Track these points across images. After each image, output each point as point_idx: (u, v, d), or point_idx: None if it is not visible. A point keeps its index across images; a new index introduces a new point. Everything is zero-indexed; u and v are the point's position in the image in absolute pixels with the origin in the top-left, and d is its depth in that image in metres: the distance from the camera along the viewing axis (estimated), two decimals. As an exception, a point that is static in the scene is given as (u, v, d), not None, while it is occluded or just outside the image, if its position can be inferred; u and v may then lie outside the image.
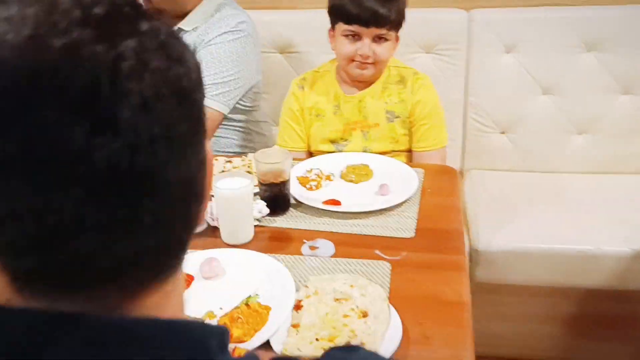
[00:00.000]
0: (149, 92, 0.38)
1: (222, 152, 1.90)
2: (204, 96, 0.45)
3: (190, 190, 0.43)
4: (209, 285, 1.13)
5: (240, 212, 1.25)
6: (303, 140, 1.80)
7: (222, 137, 1.92)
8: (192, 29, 1.81)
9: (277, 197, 1.36)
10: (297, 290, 1.08)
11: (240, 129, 1.95)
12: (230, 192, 1.21)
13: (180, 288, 0.47)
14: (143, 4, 0.44)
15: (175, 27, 1.81)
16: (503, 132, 2.23)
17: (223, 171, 1.53)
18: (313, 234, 1.30)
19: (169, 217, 0.41)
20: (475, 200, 2.05)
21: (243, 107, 1.91)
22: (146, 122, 0.37)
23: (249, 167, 1.54)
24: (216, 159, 1.60)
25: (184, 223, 0.44)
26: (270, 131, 2.07)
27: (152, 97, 0.38)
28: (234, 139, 1.94)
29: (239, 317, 1.00)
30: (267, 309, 1.03)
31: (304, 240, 1.27)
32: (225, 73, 1.78)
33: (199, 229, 1.30)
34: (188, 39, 1.83)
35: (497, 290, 1.89)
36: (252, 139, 1.99)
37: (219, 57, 1.78)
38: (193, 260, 1.17)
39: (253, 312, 1.01)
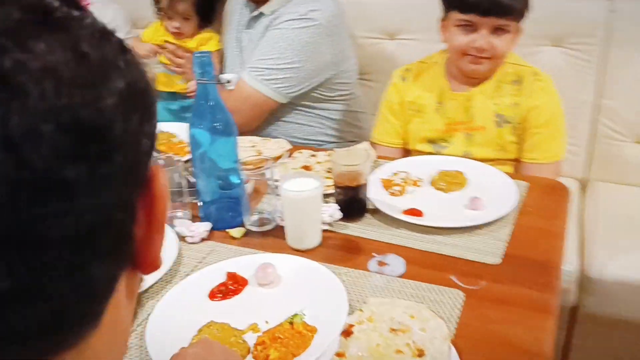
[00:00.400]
0: (19, 128, 0.29)
1: (306, 140, 1.83)
2: (135, 123, 0.36)
3: (88, 250, 0.34)
4: (261, 293, 1.06)
5: (306, 217, 1.16)
6: (399, 136, 1.67)
7: (305, 124, 1.84)
8: (270, 12, 1.75)
9: (352, 202, 1.25)
10: (351, 313, 0.98)
11: (327, 118, 1.86)
12: (296, 194, 1.12)
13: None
14: None
15: (257, 12, 1.76)
16: (639, 142, 1.94)
17: (306, 166, 1.45)
18: (385, 247, 1.18)
19: (48, 288, 0.32)
20: (595, 218, 1.80)
21: (323, 97, 1.82)
22: (9, 167, 0.29)
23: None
24: (300, 152, 1.52)
25: (81, 292, 0.35)
26: (368, 123, 1.95)
27: (22, 134, 0.29)
28: (318, 127, 1.86)
29: (279, 337, 0.91)
30: (313, 331, 0.93)
31: (374, 254, 1.15)
32: (283, 60, 1.70)
33: (266, 228, 1.26)
34: (263, 22, 1.77)
35: (609, 324, 1.65)
36: (343, 129, 1.89)
37: (280, 42, 1.70)
38: (250, 263, 1.10)
39: (296, 333, 0.92)
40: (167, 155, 1.33)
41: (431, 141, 1.61)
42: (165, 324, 0.98)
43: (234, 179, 1.26)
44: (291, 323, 0.94)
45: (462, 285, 1.06)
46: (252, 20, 1.82)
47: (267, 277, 1.07)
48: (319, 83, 1.77)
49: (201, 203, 1.28)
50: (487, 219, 1.22)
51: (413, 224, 1.22)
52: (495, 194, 1.30)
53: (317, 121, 1.84)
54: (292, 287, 1.06)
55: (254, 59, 1.74)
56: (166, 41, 2.02)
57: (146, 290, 1.08)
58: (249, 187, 1.28)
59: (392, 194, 1.34)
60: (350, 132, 1.90)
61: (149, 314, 1.01)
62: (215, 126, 1.21)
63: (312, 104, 1.81)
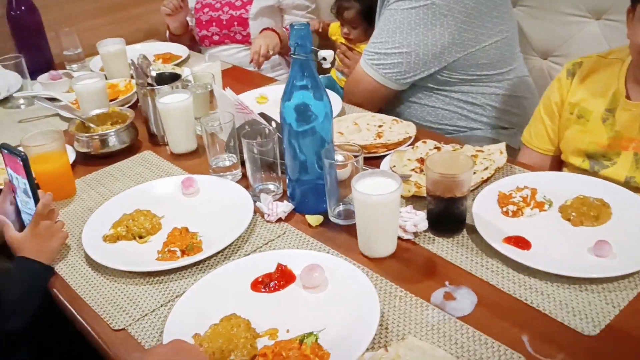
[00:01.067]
0: None
1: (441, 125, 1.65)
2: None
3: None
4: (301, 296, 0.97)
5: (377, 223, 1.02)
6: (552, 142, 1.39)
7: (440, 108, 1.65)
8: None
9: (443, 215, 1.08)
10: (376, 348, 0.85)
11: (467, 102, 1.63)
12: (366, 197, 0.99)
13: None
14: None
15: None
16: None
17: (422, 159, 1.29)
18: (464, 277, 0.99)
19: None
20: None
21: (454, 80, 1.59)
22: None
23: (488, 159, 1.26)
24: (425, 141, 1.35)
25: None
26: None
27: None
28: (457, 111, 1.64)
29: (282, 355, 0.83)
30: (323, 357, 0.83)
31: (446, 283, 0.98)
32: (391, 44, 1.53)
33: (348, 222, 1.15)
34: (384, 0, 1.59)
35: None
36: (494, 114, 1.64)
37: (389, 25, 1.53)
38: (306, 259, 1.02)
39: (301, 355, 0.83)
40: (274, 124, 1.28)
41: (590, 156, 1.31)
42: (195, 304, 0.96)
43: (326, 162, 1.17)
44: (301, 342, 0.85)
45: (531, 351, 0.85)
46: (380, 2, 1.68)
47: (311, 280, 0.98)
48: (441, 66, 1.56)
49: (288, 181, 1.22)
50: (609, 272, 0.96)
51: (509, 257, 1.01)
52: (636, 241, 1.02)
53: (455, 104, 1.63)
54: (332, 299, 0.95)
55: (369, 42, 1.61)
56: (341, 42, 2.10)
57: (202, 262, 1.07)
58: (343, 174, 1.17)
59: (505, 213, 1.13)
60: (502, 118, 1.65)
61: (187, 289, 1.00)
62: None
63: (443, 86, 1.61)
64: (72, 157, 1.47)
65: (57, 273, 1.09)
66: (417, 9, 1.49)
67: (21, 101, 1.85)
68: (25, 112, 1.82)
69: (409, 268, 1.03)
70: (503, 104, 1.65)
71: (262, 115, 1.35)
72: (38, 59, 2.04)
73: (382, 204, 1.00)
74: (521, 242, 1.04)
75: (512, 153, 1.52)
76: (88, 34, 2.19)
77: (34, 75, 1.94)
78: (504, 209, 1.13)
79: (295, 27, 1.06)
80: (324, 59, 1.08)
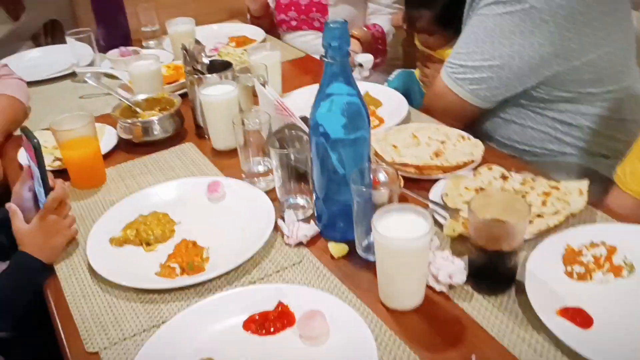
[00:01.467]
0: None
1: (528, 147, 1.42)
2: None
3: None
4: (294, 346, 0.82)
5: (400, 270, 0.85)
6: (653, 186, 1.13)
7: (530, 127, 1.40)
8: None
9: (485, 269, 0.88)
10: None
11: (564, 123, 1.38)
12: (386, 240, 0.82)
13: None
14: None
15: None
16: None
17: (480, 189, 1.09)
18: (497, 353, 0.80)
19: None
20: None
21: (551, 98, 1.34)
22: None
23: (562, 199, 1.03)
24: (490, 168, 1.14)
25: None
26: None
27: None
28: (549, 132, 1.39)
29: None
30: None
31: (472, 357, 0.79)
32: (480, 56, 1.29)
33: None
34: (471, 5, 1.36)
35: None
36: (592, 139, 1.38)
37: (477, 33, 1.30)
38: (312, 300, 0.87)
39: None
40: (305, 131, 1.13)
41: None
42: (176, 337, 0.84)
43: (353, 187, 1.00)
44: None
45: None
46: (469, 4, 1.43)
47: (308, 330, 0.83)
48: (538, 82, 1.31)
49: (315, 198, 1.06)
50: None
51: (559, 336, 0.80)
52: None
53: (547, 124, 1.38)
54: (328, 357, 0.80)
55: (453, 51, 1.38)
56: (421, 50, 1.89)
57: (201, 284, 0.95)
58: (379, 198, 0.99)
59: (568, 274, 0.91)
60: (602, 144, 1.37)
61: (176, 314, 0.88)
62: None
63: (536, 103, 1.36)
64: (113, 142, 1.40)
65: (56, 274, 1.02)
66: (512, 14, 1.25)
67: (88, 76, 1.82)
68: (90, 87, 1.79)
69: (433, 329, 0.85)
70: (606, 127, 1.38)
71: (303, 119, 1.20)
72: (115, 34, 2.01)
73: (406, 251, 0.82)
74: (580, 318, 0.82)
75: (610, 187, 1.26)
76: (169, 10, 2.12)
77: (110, 50, 1.91)
78: (569, 268, 0.91)
79: (330, 25, 0.90)
80: (361, 65, 0.91)
